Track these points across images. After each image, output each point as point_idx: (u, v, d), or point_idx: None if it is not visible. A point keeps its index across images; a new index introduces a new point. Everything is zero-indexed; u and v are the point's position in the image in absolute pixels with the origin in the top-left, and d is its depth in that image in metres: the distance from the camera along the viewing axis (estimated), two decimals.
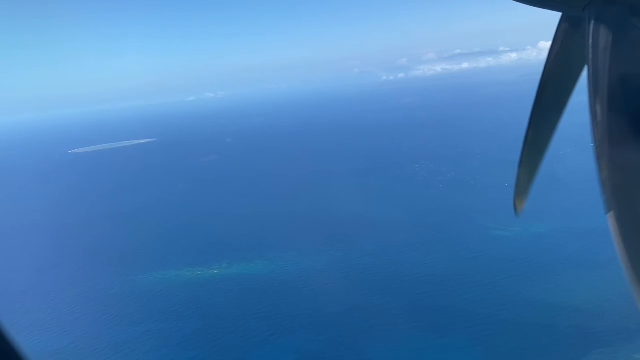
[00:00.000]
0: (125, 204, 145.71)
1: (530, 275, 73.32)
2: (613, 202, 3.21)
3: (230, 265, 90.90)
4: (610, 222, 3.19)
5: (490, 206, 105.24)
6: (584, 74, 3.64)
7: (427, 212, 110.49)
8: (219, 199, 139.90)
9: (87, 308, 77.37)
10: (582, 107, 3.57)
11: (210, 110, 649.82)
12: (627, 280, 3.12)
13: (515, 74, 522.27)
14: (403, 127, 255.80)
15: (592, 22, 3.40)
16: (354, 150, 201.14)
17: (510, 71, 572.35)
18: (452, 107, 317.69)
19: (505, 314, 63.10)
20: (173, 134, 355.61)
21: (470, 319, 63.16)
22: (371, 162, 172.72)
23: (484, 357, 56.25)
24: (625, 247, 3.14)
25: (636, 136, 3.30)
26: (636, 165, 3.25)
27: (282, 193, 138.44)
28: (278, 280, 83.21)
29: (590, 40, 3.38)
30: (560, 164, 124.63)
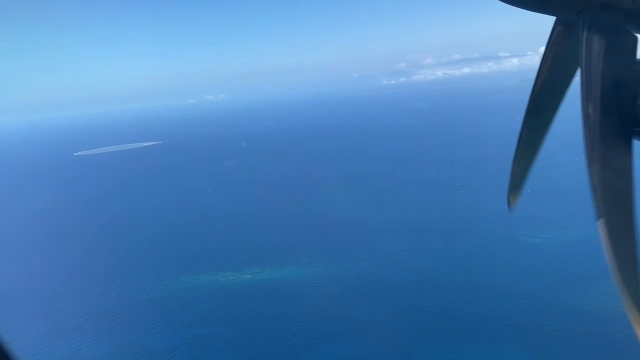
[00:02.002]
0: (149, 207, 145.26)
1: (572, 283, 73.21)
2: (603, 209, 3.22)
3: (262, 270, 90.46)
4: (600, 229, 3.20)
5: (516, 212, 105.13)
6: (577, 76, 3.69)
7: (453, 218, 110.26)
8: (244, 203, 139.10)
9: (126, 313, 76.87)
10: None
11: (212, 113, 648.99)
12: (615, 287, 3.16)
13: (518, 79, 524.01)
14: (414, 131, 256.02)
15: (586, 27, 3.39)
16: (369, 155, 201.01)
17: (513, 77, 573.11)
18: (461, 112, 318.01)
19: (554, 323, 62.86)
20: (179, 137, 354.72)
21: (519, 328, 62.97)
22: (387, 166, 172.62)
23: None
24: (614, 255, 3.17)
25: (627, 142, 3.33)
26: (627, 171, 3.27)
27: (305, 197, 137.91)
28: (313, 285, 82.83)
29: (584, 46, 3.37)
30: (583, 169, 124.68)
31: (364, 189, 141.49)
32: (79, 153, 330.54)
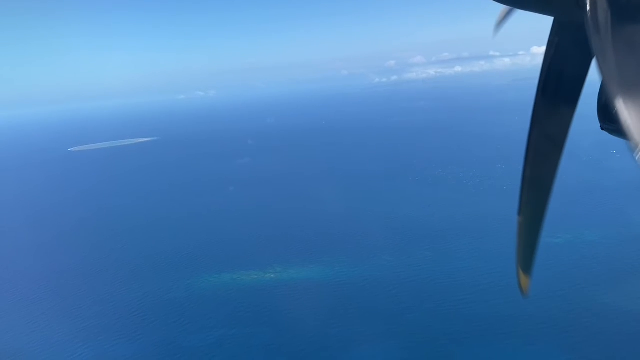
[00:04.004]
0: (158, 206, 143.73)
1: (602, 283, 73.45)
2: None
3: (285, 269, 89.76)
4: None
5: None
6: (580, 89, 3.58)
7: (467, 217, 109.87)
8: (258, 202, 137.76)
9: (154, 314, 75.73)
10: None
11: (204, 109, 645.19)
12: None
13: (512, 79, 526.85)
14: (418, 130, 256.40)
15: (589, 10, 3.25)
16: (376, 153, 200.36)
17: (506, 76, 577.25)
18: (461, 111, 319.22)
19: (588, 322, 63.18)
20: (173, 133, 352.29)
21: (554, 327, 63.11)
22: (394, 165, 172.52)
23: None
24: None
25: None
26: None
27: (320, 196, 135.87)
28: (339, 285, 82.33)
29: (592, 31, 3.21)
30: (606, 167, 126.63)
31: (376, 188, 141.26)
32: (74, 149, 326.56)
